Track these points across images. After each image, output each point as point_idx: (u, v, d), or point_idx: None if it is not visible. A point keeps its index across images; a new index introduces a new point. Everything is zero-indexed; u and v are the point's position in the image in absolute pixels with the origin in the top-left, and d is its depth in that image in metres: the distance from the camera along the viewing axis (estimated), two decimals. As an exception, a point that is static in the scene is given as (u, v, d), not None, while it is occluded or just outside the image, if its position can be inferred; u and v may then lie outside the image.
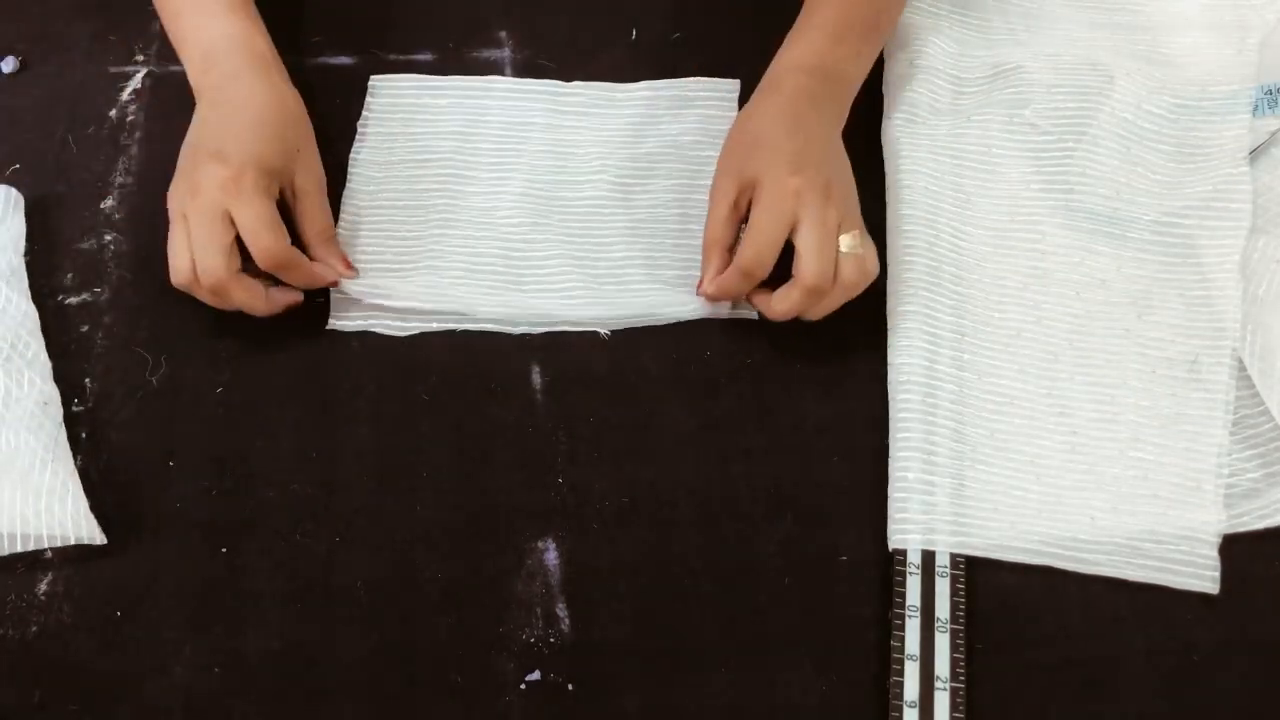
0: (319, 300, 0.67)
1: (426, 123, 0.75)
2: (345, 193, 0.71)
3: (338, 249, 0.68)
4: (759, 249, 0.63)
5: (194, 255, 0.62)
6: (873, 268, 0.65)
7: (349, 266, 0.67)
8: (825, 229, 0.63)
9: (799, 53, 0.70)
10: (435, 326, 0.67)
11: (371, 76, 0.76)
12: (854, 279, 0.64)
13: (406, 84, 0.76)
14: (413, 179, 0.73)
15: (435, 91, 0.76)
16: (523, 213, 0.71)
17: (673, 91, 0.77)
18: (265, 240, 0.62)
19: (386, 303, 0.67)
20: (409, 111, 0.75)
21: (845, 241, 0.63)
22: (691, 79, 0.77)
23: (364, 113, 0.75)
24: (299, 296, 0.66)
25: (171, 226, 0.64)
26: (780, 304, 0.64)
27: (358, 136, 0.74)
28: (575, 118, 0.75)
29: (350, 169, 0.72)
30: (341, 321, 0.67)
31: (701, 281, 0.66)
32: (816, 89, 0.69)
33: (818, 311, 0.65)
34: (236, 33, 0.69)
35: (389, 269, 0.69)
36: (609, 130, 0.75)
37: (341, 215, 0.70)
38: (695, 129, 0.75)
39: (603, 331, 0.67)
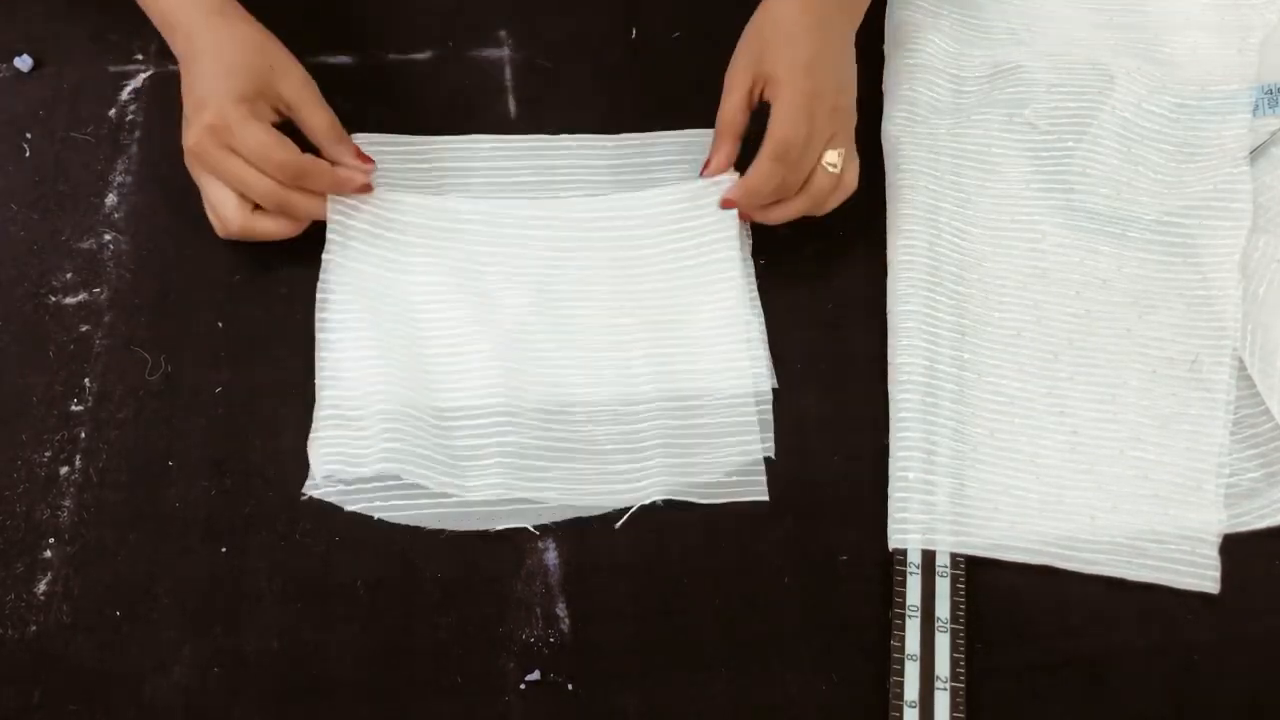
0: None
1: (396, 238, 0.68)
2: (319, 322, 0.65)
3: (350, 144, 0.68)
4: (786, 138, 0.65)
5: (215, 210, 0.65)
6: (850, 183, 0.68)
7: (365, 159, 0.67)
8: (818, 138, 0.66)
9: None
10: (429, 524, 0.60)
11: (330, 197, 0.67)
12: (824, 189, 0.67)
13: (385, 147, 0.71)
14: (401, 308, 0.66)
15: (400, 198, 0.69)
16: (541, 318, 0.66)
17: (665, 144, 0.73)
18: (275, 156, 0.63)
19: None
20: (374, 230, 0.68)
21: (829, 156, 0.66)
22: (684, 131, 0.73)
23: (328, 236, 0.67)
24: (361, 177, 0.67)
25: (201, 192, 0.66)
26: (754, 181, 0.66)
27: (323, 265, 0.67)
28: (566, 172, 0.71)
29: (321, 296, 0.66)
30: (320, 491, 0.61)
31: (709, 163, 0.69)
32: None
33: (780, 214, 0.67)
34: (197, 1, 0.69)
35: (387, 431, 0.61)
36: (601, 183, 0.71)
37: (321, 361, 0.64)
38: (687, 187, 0.70)
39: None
